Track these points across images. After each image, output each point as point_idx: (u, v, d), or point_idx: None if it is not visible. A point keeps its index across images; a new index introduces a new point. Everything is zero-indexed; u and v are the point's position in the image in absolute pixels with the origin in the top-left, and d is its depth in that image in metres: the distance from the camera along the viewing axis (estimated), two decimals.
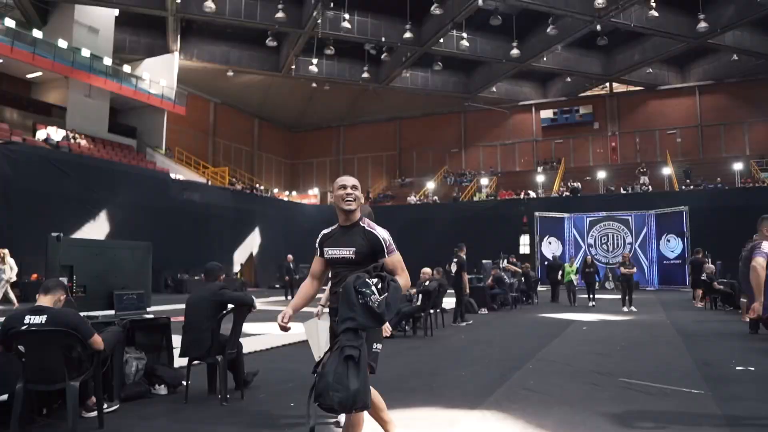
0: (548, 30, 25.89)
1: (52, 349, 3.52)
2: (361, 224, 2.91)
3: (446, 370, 6.34)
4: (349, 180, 2.96)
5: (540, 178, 31.25)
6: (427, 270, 9.47)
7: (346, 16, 25.14)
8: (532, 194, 29.69)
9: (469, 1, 24.15)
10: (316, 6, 24.03)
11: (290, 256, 18.58)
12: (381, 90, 33.67)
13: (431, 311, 9.52)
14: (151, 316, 5.13)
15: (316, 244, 3.05)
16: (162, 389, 4.94)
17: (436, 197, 31.86)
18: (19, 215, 17.20)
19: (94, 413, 4.05)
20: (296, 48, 27.59)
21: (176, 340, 5.53)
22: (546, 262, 23.92)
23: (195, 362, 4.76)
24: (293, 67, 29.52)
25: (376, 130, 39.02)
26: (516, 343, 8.54)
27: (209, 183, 26.80)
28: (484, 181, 32.85)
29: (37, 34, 22.11)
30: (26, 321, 3.47)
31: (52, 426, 4.04)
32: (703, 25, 24.19)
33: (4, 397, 4.09)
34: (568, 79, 33.38)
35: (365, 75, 30.49)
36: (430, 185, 33.48)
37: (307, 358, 6.18)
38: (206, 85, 31.70)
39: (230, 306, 4.78)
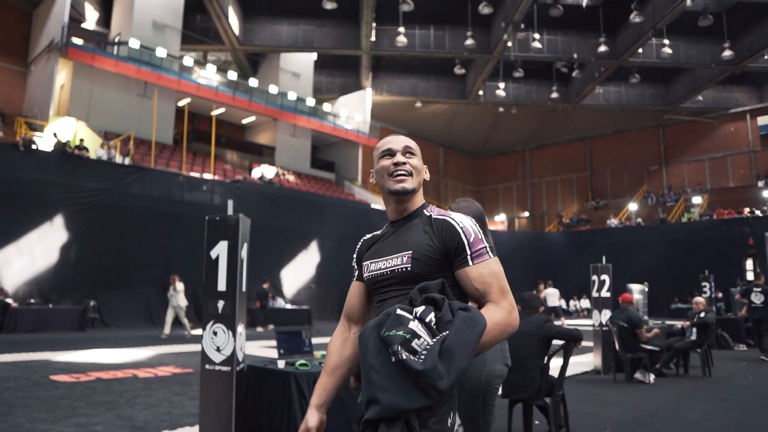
0: None
1: None
2: (426, 212, 1.67)
3: None
4: (397, 141, 1.72)
5: (766, 193, 27.32)
6: (700, 299, 8.24)
7: (536, 35, 24.44)
8: (758, 212, 26.00)
9: (675, 3, 22.15)
10: (506, 29, 23.62)
11: None
12: (568, 109, 32.16)
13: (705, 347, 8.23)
14: None
15: (353, 261, 1.84)
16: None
17: (639, 219, 29.29)
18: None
19: None
20: (484, 73, 27.36)
21: None
22: None
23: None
24: (480, 93, 29.29)
25: (564, 151, 37.33)
26: None
27: None
28: (696, 199, 29.55)
29: (252, 83, 24.40)
30: None
31: None
32: None
33: None
34: None
35: (554, 95, 29.30)
36: (632, 206, 30.91)
37: (619, 403, 5.42)
38: (394, 118, 32.69)
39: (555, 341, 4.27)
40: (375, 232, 1.81)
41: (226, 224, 3.63)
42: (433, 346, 1.29)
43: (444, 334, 1.32)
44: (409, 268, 1.56)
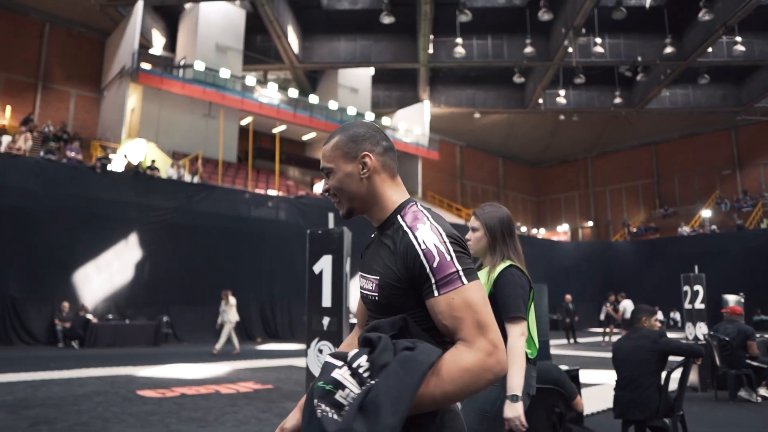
0: None
1: (536, 409, 3.03)
2: (399, 219, 1.36)
3: None
4: (322, 157, 1.43)
5: None
6: None
7: (598, 40, 23.81)
8: None
9: None
10: (566, 34, 23.11)
11: (568, 296, 17.41)
12: (632, 114, 31.11)
13: None
14: (566, 367, 4.54)
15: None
16: None
17: (714, 226, 27.91)
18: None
19: None
20: (544, 81, 26.83)
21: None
22: None
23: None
24: (540, 101, 28.74)
25: (628, 158, 36.09)
26: None
27: (467, 224, 27.03)
28: None
29: (313, 99, 24.75)
30: None
31: None
32: None
33: None
34: None
35: (617, 100, 28.40)
36: (705, 213, 29.48)
37: (733, 423, 4.99)
38: (452, 129, 32.45)
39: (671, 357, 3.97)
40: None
41: (329, 238, 3.54)
42: (357, 398, 1.08)
43: (373, 382, 1.09)
44: (376, 297, 1.33)
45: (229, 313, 12.70)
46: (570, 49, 23.92)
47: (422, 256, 1.23)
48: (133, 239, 15.54)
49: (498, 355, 1.16)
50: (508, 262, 2.42)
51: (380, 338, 1.18)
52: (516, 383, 2.31)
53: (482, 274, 2.47)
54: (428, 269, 1.22)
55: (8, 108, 19.68)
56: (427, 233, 1.26)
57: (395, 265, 1.28)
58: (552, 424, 3.09)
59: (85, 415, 5.71)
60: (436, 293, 1.22)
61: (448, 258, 1.23)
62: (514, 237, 2.49)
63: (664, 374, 3.93)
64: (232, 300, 12.77)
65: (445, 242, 1.25)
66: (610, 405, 6.18)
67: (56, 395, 6.85)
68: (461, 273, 1.22)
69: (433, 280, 1.22)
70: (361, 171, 1.37)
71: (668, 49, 23.74)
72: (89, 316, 14.02)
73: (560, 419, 3.17)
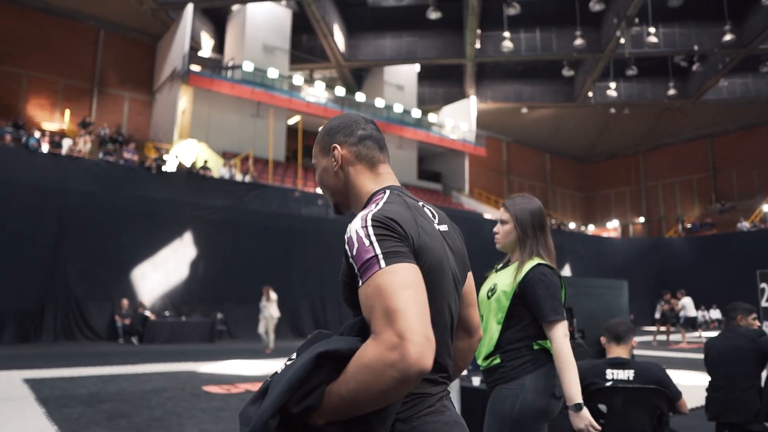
0: None
1: (638, 411, 2.88)
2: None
3: None
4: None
5: None
6: None
7: (651, 29, 23.05)
8: None
9: None
10: (618, 25, 22.47)
11: None
12: (687, 106, 30.03)
13: None
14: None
15: None
16: None
17: None
18: None
19: None
20: (594, 73, 26.18)
21: None
22: None
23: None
24: (590, 94, 28.04)
25: (681, 151, 34.85)
26: None
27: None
28: None
29: (359, 97, 24.79)
30: (609, 376, 2.91)
31: None
32: None
33: None
34: None
35: (671, 92, 27.48)
36: (766, 208, 28.21)
37: None
38: (498, 125, 32.01)
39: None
40: None
41: None
42: (264, 384, 1.10)
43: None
44: (342, 292, 1.23)
45: (270, 309, 12.64)
46: (622, 40, 23.24)
47: (346, 245, 1.14)
48: (187, 238, 15.85)
49: (404, 348, 0.97)
50: (536, 260, 2.26)
51: (318, 334, 1.16)
52: (574, 391, 2.16)
53: (509, 271, 2.32)
54: (351, 258, 1.11)
55: (67, 112, 20.37)
56: (356, 220, 1.16)
57: (343, 258, 1.19)
58: (653, 425, 2.93)
59: (157, 410, 5.81)
60: (360, 282, 1.09)
61: (367, 243, 1.10)
62: (546, 232, 2.34)
63: (764, 375, 3.71)
64: (273, 296, 12.74)
65: (366, 226, 1.12)
66: (690, 406, 5.94)
67: (125, 390, 7.00)
68: (380, 257, 1.08)
69: (356, 268, 1.10)
70: (332, 164, 1.34)
71: (727, 37, 22.83)
72: (147, 313, 14.37)
73: (660, 420, 3.01)
